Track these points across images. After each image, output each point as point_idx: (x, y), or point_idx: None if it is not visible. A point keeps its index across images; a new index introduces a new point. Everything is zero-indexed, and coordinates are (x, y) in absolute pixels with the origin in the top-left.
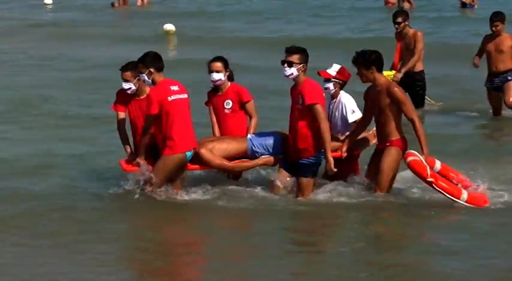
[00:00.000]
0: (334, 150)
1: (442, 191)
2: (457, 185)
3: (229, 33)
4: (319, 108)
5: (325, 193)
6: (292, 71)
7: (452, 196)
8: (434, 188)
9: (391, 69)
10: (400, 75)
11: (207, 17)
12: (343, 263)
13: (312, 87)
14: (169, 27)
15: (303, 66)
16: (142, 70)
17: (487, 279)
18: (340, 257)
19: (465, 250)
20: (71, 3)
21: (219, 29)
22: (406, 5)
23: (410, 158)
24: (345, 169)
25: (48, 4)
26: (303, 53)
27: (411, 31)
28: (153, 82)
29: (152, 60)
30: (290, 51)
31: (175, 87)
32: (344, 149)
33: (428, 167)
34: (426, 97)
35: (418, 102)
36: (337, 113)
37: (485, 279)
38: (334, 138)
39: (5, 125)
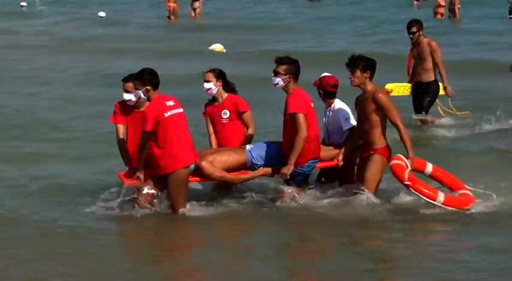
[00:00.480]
0: (331, 158)
1: (419, 194)
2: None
3: (279, 46)
4: (300, 117)
5: (323, 201)
6: (278, 80)
7: (428, 198)
8: (412, 191)
9: (409, 81)
10: (450, 91)
11: (258, 29)
12: (336, 271)
13: (296, 97)
14: (217, 46)
15: (289, 77)
16: (138, 87)
17: None
18: (332, 265)
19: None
20: (125, 14)
21: (268, 42)
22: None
23: (393, 162)
24: (346, 178)
25: (103, 17)
26: (290, 64)
27: (425, 40)
28: (148, 99)
29: (150, 78)
30: (277, 61)
31: (170, 103)
32: (340, 157)
33: (407, 171)
34: (445, 107)
35: (422, 107)
36: (331, 121)
37: None
38: (330, 146)
39: (39, 142)
